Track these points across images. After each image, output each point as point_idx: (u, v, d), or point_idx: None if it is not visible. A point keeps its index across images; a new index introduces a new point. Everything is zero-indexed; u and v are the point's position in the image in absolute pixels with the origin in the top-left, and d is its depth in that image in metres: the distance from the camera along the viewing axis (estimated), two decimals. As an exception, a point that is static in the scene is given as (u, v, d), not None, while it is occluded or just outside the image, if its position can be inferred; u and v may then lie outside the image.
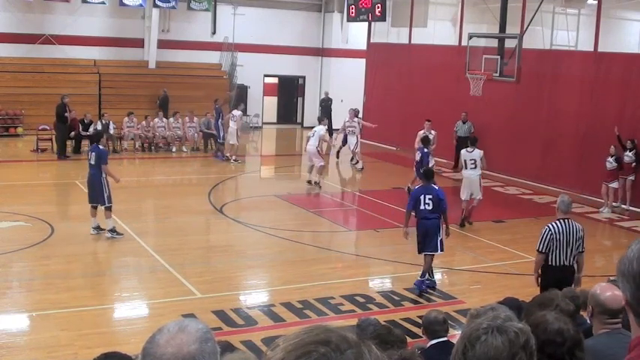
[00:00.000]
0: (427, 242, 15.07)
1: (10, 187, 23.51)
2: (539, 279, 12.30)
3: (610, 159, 23.03)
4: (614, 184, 23.14)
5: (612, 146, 23.05)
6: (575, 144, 25.69)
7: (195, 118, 32.08)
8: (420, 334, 8.83)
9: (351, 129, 29.77)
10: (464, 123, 29.12)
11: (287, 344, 2.27)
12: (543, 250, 12.10)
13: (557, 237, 12.03)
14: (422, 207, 15.04)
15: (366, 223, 21.42)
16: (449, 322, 8.45)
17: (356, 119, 30.29)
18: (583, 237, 12.22)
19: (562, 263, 12.15)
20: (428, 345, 7.86)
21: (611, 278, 6.60)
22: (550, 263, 12.13)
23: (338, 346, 2.17)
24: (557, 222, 12.17)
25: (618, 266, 3.04)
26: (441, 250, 15.22)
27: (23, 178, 25.68)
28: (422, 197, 15.09)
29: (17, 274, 15.33)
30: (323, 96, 39.90)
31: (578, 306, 7.75)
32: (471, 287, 15.77)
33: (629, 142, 22.87)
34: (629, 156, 22.83)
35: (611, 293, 5.57)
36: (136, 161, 30.12)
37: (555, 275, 12.11)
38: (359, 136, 29.92)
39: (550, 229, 12.08)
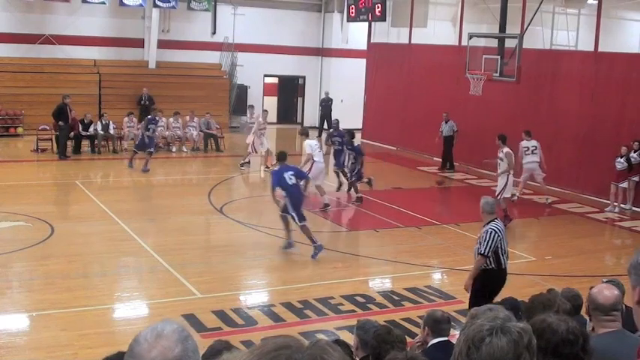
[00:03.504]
0: (299, 213, 17.07)
1: (10, 187, 23.49)
2: (479, 285, 12.04)
3: (620, 159, 22.99)
4: (624, 184, 23.11)
5: (623, 147, 23.00)
6: (576, 144, 25.68)
7: (196, 118, 32.10)
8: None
9: (263, 130, 29.06)
10: (446, 123, 29.24)
11: (250, 357, 2.35)
12: (488, 254, 11.81)
13: (501, 238, 11.92)
14: (288, 182, 16.86)
15: (366, 223, 21.41)
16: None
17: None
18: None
19: (505, 265, 12.12)
20: (429, 344, 7.84)
21: (604, 280, 6.62)
22: (498, 266, 11.99)
23: (298, 348, 2.31)
24: (497, 223, 12.04)
25: (632, 260, 3.07)
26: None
27: (23, 178, 25.68)
28: (285, 175, 16.90)
29: (17, 274, 15.32)
30: (323, 96, 39.93)
31: (578, 306, 7.76)
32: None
33: (636, 142, 22.81)
34: (634, 157, 22.78)
35: (602, 290, 5.60)
36: (135, 161, 30.12)
37: (501, 278, 12.09)
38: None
39: (496, 231, 11.82)
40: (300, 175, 17.40)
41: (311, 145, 21.82)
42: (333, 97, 39.20)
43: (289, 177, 16.89)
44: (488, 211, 12.11)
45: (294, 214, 16.99)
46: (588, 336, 4.46)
